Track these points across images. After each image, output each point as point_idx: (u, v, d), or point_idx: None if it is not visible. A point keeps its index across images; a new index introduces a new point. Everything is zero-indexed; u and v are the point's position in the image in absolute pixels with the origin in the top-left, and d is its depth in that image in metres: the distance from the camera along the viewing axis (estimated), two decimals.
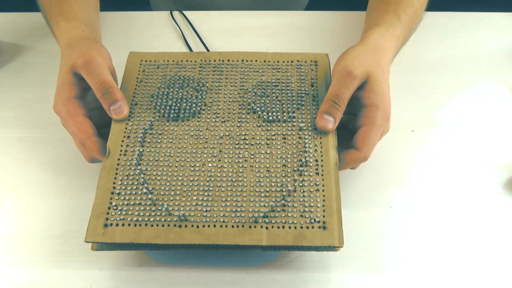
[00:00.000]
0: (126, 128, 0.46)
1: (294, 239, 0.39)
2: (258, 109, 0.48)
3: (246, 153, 0.44)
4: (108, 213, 0.41)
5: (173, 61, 0.52)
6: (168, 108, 0.48)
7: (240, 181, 0.43)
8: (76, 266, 0.46)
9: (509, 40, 0.68)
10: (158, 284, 0.45)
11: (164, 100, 0.49)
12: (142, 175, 0.43)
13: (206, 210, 0.41)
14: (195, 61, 0.52)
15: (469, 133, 0.56)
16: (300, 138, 0.45)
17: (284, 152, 0.44)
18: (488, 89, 0.61)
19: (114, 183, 0.43)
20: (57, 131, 0.56)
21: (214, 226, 0.40)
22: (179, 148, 0.45)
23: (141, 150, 0.45)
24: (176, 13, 0.71)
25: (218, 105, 0.48)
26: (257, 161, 0.44)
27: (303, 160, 0.44)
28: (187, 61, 0.52)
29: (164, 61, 0.52)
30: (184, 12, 0.71)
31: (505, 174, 0.52)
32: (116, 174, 0.43)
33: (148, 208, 0.41)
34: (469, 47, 0.67)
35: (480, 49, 0.66)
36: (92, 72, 0.46)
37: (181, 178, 0.43)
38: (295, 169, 0.43)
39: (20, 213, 0.50)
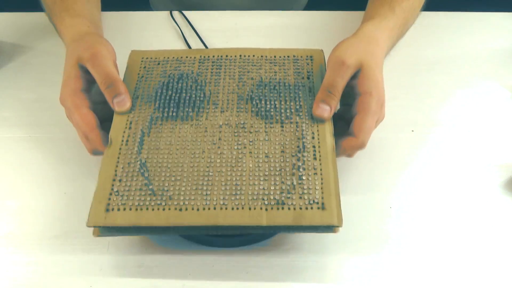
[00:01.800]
0: (127, 120, 0.48)
1: (294, 219, 0.40)
2: (256, 99, 0.49)
3: (245, 140, 0.45)
4: (109, 199, 0.42)
5: (173, 57, 0.53)
6: (168, 98, 0.49)
7: (240, 165, 0.44)
8: (76, 266, 0.46)
9: (509, 40, 0.68)
10: (158, 283, 0.45)
11: (165, 91, 0.50)
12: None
13: (206, 194, 0.42)
14: (194, 57, 0.53)
15: (469, 133, 0.57)
16: (297, 126, 0.46)
17: (282, 139, 0.45)
18: (488, 89, 0.62)
19: (115, 170, 0.44)
20: (58, 131, 0.56)
21: (214, 208, 0.41)
22: (179, 137, 0.46)
23: (143, 139, 0.46)
24: (176, 13, 0.71)
25: (217, 96, 0.49)
26: (255, 147, 0.45)
27: (301, 146, 0.45)
28: (186, 57, 0.54)
29: (164, 58, 0.53)
30: (184, 12, 0.71)
31: (505, 174, 0.52)
32: (118, 162, 0.44)
33: (149, 193, 0.42)
34: (469, 47, 0.67)
35: (480, 49, 0.67)
36: (98, 65, 0.48)
37: (181, 164, 0.44)
38: (293, 154, 0.44)
39: (21, 212, 0.50)
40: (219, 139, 0.46)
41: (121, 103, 0.47)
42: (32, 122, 0.58)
